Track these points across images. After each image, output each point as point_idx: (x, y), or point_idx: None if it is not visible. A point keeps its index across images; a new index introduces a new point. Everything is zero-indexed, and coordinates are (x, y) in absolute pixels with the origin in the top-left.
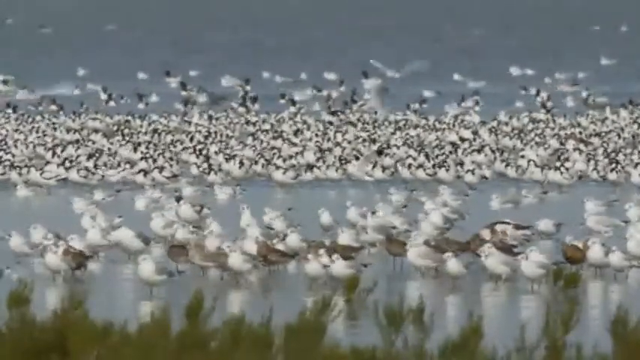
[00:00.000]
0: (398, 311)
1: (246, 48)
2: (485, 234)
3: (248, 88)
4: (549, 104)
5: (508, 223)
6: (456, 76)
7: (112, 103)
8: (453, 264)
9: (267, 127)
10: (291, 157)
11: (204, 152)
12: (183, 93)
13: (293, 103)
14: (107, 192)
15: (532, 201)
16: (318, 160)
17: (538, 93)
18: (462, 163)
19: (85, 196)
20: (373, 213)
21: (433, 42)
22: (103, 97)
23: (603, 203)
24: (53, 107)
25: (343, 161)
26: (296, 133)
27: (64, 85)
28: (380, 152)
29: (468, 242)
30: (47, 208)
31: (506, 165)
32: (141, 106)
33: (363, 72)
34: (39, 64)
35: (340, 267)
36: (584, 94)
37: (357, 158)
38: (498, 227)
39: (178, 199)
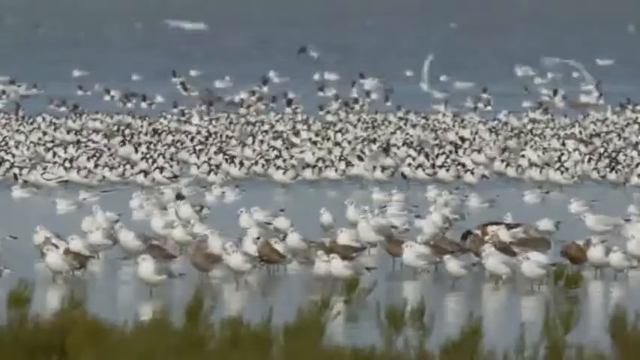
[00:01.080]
0: (399, 311)
1: (248, 48)
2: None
3: (265, 88)
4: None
5: (499, 224)
6: (443, 77)
7: (128, 105)
8: (453, 264)
9: (266, 127)
10: (291, 156)
11: (204, 153)
12: (184, 93)
13: (289, 103)
14: (91, 192)
15: (535, 200)
16: (317, 160)
17: (555, 93)
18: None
19: (69, 196)
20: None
21: (431, 42)
22: (107, 97)
23: (586, 203)
24: (63, 108)
25: (343, 161)
26: (296, 133)
27: (67, 85)
28: (386, 150)
29: (466, 233)
30: (45, 209)
31: (507, 165)
32: (144, 105)
33: (360, 74)
34: (38, 64)
35: (338, 267)
36: (593, 96)
37: (361, 158)
38: (489, 228)
39: (179, 196)
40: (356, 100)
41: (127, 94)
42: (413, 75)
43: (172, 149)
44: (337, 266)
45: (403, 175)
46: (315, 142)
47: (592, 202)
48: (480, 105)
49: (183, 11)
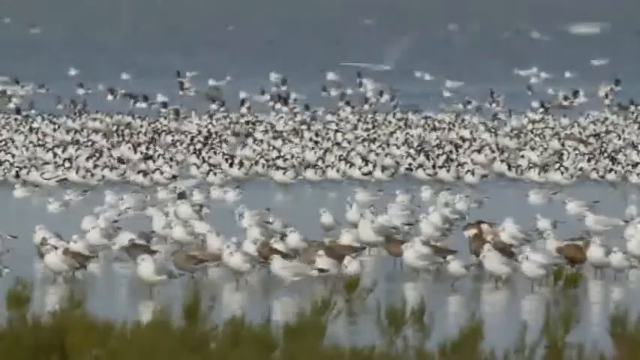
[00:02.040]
0: (399, 311)
1: (253, 48)
2: (471, 233)
3: (284, 88)
4: (569, 102)
5: (485, 223)
6: (427, 77)
7: (143, 105)
8: (455, 264)
9: (263, 127)
10: (292, 156)
11: (204, 153)
12: (180, 92)
13: (285, 102)
14: (76, 192)
15: (541, 201)
16: (318, 159)
17: (575, 94)
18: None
19: (59, 196)
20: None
21: (431, 43)
22: (110, 97)
23: (584, 203)
24: (72, 106)
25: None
26: (296, 133)
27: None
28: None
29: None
30: (44, 209)
31: (508, 165)
32: (144, 105)
33: (358, 72)
34: (35, 64)
35: (278, 267)
36: (604, 95)
37: (365, 160)
38: (483, 226)
39: (181, 196)
40: (366, 100)
41: (129, 94)
42: (420, 76)
43: (171, 149)
44: (277, 267)
45: (409, 169)
46: (316, 142)
47: (593, 202)
48: (494, 104)
49: (184, 11)
